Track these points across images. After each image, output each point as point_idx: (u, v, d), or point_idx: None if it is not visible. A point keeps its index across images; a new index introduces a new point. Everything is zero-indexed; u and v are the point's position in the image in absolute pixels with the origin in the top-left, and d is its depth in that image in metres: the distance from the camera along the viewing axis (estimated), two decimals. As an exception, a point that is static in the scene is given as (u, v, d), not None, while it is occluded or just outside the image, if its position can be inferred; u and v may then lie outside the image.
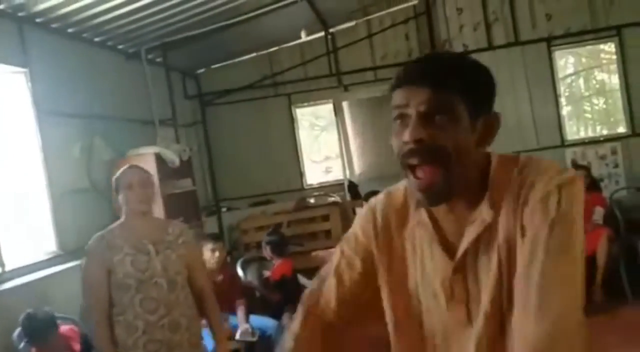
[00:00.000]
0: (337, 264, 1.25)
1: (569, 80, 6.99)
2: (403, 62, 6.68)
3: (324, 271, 1.29)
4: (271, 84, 7.03)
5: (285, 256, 4.77)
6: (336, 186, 7.04)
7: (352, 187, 6.78)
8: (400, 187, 1.18)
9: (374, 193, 5.06)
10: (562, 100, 6.61)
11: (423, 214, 1.11)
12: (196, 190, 5.72)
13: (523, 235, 0.99)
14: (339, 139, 7.00)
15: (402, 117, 1.03)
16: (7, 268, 3.55)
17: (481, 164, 1.07)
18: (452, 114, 1.00)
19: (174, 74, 6.42)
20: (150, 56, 5.76)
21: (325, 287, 1.26)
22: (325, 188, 7.15)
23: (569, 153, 6.43)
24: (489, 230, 1.03)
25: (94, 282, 2.55)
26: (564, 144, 6.49)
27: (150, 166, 4.77)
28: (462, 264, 1.06)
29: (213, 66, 7.03)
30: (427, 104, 1.00)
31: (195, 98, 6.92)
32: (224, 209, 6.85)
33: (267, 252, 4.76)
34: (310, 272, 5.57)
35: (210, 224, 6.34)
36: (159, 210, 4.75)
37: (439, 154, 1.00)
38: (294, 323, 1.28)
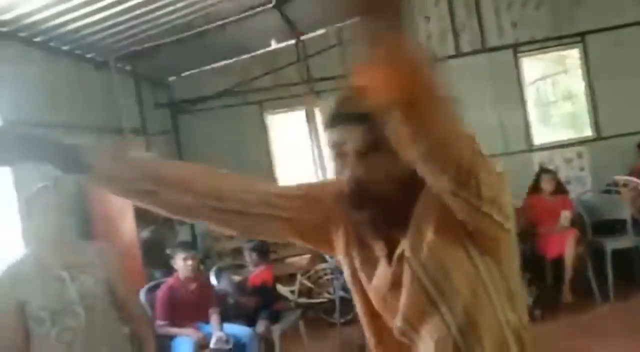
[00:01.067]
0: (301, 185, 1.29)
1: (535, 85, 7.14)
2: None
3: None
4: (242, 92, 7.03)
5: (268, 262, 4.79)
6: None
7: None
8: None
9: None
10: (529, 105, 6.75)
11: (365, 217, 1.17)
12: (168, 199, 5.67)
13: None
14: (312, 146, 7.02)
15: (340, 155, 1.12)
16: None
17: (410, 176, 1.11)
18: (386, 149, 1.06)
19: (144, 83, 6.38)
20: (119, 65, 5.71)
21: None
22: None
23: (536, 157, 6.56)
24: (421, 226, 1.13)
25: (1, 320, 2.30)
26: (531, 148, 6.62)
27: (121, 175, 4.74)
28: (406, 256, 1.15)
29: (183, 74, 7.00)
30: (363, 141, 1.08)
31: (166, 107, 6.88)
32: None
33: (251, 258, 4.76)
34: (286, 279, 5.62)
35: (184, 232, 6.29)
36: (130, 219, 4.71)
37: (376, 195, 1.10)
38: None
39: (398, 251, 1.15)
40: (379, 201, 1.11)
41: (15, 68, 4.20)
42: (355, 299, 1.26)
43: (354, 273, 1.24)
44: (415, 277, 1.12)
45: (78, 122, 4.92)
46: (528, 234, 5.42)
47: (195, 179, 1.22)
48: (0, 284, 2.35)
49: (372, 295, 1.22)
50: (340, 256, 1.26)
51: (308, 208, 1.24)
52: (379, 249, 1.19)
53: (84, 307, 2.34)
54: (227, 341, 3.98)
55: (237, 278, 4.79)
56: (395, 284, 1.16)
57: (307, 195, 1.25)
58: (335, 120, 1.12)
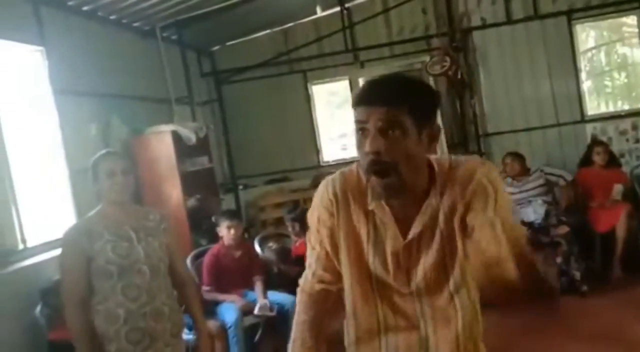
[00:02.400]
0: (314, 243, 1.50)
1: (589, 54, 6.86)
2: (420, 36, 6.58)
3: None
4: (286, 61, 6.99)
5: None
6: (352, 163, 7.00)
7: (369, 164, 6.75)
8: (353, 169, 1.43)
9: None
10: (583, 75, 6.50)
11: (381, 201, 1.38)
12: (213, 167, 5.73)
13: (466, 215, 1.32)
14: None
15: (363, 130, 1.30)
16: (29, 245, 3.61)
17: (426, 166, 1.37)
18: (402, 129, 1.28)
19: (189, 52, 6.41)
20: (165, 34, 5.74)
21: (312, 267, 1.53)
22: (342, 165, 7.09)
23: (589, 128, 6.34)
24: (434, 216, 1.36)
25: (71, 270, 2.41)
26: (584, 119, 6.39)
27: (168, 144, 4.81)
28: (410, 242, 1.38)
29: (228, 43, 7.00)
30: (384, 121, 1.27)
31: (211, 76, 6.91)
32: (240, 187, 6.88)
33: (294, 228, 4.79)
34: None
35: (228, 202, 6.37)
36: (177, 187, 4.79)
37: (393, 164, 1.28)
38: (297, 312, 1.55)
39: (412, 234, 1.37)
40: (394, 171, 1.29)
41: (63, 38, 4.27)
42: (351, 279, 1.43)
43: (359, 253, 1.42)
44: (439, 247, 1.36)
45: (127, 91, 4.99)
46: (578, 208, 5.28)
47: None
48: (71, 237, 2.45)
49: (378, 269, 1.41)
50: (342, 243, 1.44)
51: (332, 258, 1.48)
52: (393, 228, 1.38)
53: (149, 266, 2.46)
54: (270, 308, 4.03)
55: (279, 247, 4.81)
56: (410, 255, 1.38)
57: (334, 247, 1.46)
58: (361, 100, 1.31)
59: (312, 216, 1.49)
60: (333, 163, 7.25)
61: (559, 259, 4.85)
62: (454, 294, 1.39)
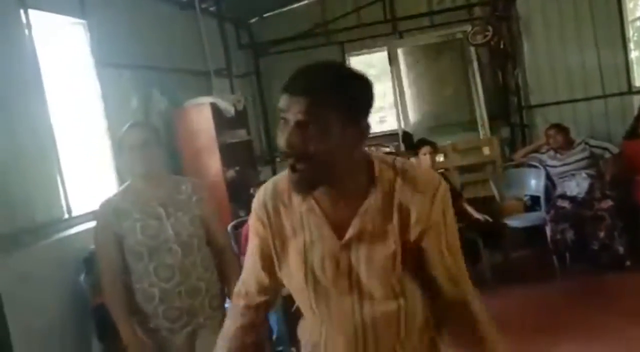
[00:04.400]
0: (248, 254, 1.47)
1: (638, 23, 6.58)
2: (461, 5, 6.43)
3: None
4: (324, 32, 6.92)
5: None
6: (390, 136, 6.96)
7: (407, 137, 6.69)
8: (285, 176, 1.33)
9: (424, 141, 4.98)
10: (631, 45, 6.25)
11: (312, 202, 1.31)
12: (251, 140, 5.76)
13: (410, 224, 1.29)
14: (393, 88, 6.87)
15: (284, 120, 1.21)
16: (74, 214, 3.71)
17: (359, 162, 1.29)
18: (324, 125, 1.18)
19: (227, 24, 6.40)
20: (203, 6, 5.74)
21: (245, 276, 1.51)
22: (379, 138, 7.08)
23: (636, 100, 6.11)
24: (375, 217, 1.28)
25: (104, 248, 2.41)
26: (631, 90, 6.17)
27: (207, 116, 4.85)
28: (349, 243, 1.29)
29: (265, 15, 6.96)
30: (303, 114, 1.17)
31: (248, 48, 6.90)
32: (278, 159, 6.91)
33: None
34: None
35: (266, 174, 6.41)
36: (216, 158, 4.84)
37: (306, 159, 1.19)
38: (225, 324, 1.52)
39: (349, 235, 1.29)
40: (307, 164, 1.21)
41: (104, 11, 4.31)
42: (299, 272, 1.35)
43: (298, 261, 1.35)
44: (382, 248, 1.30)
45: (166, 64, 5.03)
46: (623, 181, 5.13)
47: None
48: (102, 215, 2.42)
49: (317, 273, 1.33)
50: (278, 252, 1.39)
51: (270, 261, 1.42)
52: (327, 230, 1.31)
53: (180, 244, 2.40)
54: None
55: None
56: (349, 258, 1.31)
57: (264, 260, 1.43)
58: (286, 88, 1.21)
59: (250, 224, 1.46)
60: (371, 136, 7.19)
61: (602, 234, 4.74)
62: (398, 297, 1.32)
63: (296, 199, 1.33)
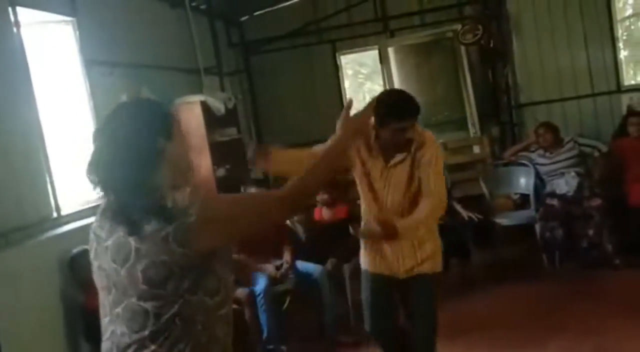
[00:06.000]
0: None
1: (627, 22, 6.63)
2: (452, 4, 6.43)
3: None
4: (315, 31, 6.91)
5: (339, 202, 4.84)
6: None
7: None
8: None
9: None
10: (620, 44, 6.29)
11: (376, 145, 2.75)
12: (242, 138, 5.75)
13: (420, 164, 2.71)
14: (384, 87, 6.88)
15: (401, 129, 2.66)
16: (63, 212, 3.69)
17: None
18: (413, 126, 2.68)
19: (218, 22, 6.38)
20: (193, 4, 5.72)
21: None
22: (370, 136, 7.09)
23: (625, 99, 6.15)
24: (406, 158, 2.72)
25: None
26: (620, 89, 6.21)
27: (197, 114, 4.84)
28: (391, 166, 2.75)
29: (256, 13, 6.94)
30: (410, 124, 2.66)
31: (239, 46, 6.88)
32: (269, 158, 6.89)
33: (322, 198, 4.79)
34: (357, 220, 5.51)
35: (257, 172, 6.40)
36: (206, 157, 4.82)
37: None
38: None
39: (392, 162, 2.74)
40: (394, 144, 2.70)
41: (93, 8, 4.28)
42: (364, 188, 2.82)
43: (366, 172, 2.78)
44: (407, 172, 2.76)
45: (156, 62, 5.01)
46: (612, 180, 5.17)
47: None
48: None
49: (376, 183, 2.78)
50: (358, 166, 2.79)
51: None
52: (381, 160, 2.75)
53: None
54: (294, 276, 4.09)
55: (304, 217, 4.84)
56: (389, 174, 2.76)
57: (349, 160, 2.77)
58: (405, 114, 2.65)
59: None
60: (361, 134, 7.20)
61: (591, 232, 4.77)
62: (404, 195, 2.73)
63: (374, 146, 2.75)
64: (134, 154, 1.45)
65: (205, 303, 1.47)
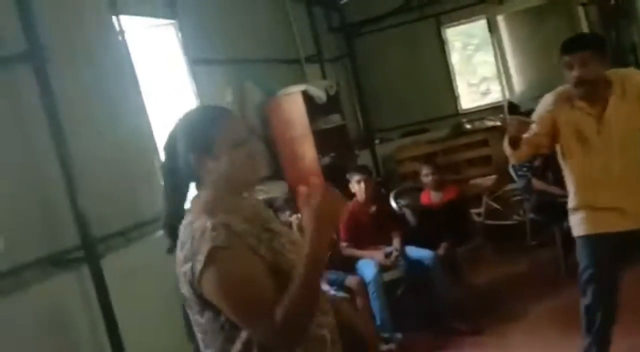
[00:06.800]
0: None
1: None
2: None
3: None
4: (417, 6, 6.67)
5: (450, 184, 4.70)
6: (495, 109, 6.63)
7: (513, 108, 6.32)
8: (566, 87, 2.61)
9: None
10: None
11: (581, 103, 2.58)
12: (346, 124, 5.70)
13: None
14: (496, 58, 6.53)
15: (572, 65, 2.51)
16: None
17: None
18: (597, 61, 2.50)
19: (316, 7, 6.34)
20: (290, -9, 5.73)
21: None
22: (483, 112, 6.76)
23: None
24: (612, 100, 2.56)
25: None
26: None
27: (299, 104, 4.85)
28: (604, 117, 2.56)
29: (355, -5, 6.82)
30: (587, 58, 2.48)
31: (340, 30, 6.81)
32: (377, 141, 6.80)
33: (431, 181, 4.66)
34: (472, 201, 5.34)
35: (364, 157, 6.34)
36: (310, 145, 4.82)
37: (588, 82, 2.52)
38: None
39: (607, 113, 2.54)
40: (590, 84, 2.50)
41: (193, 9, 4.39)
42: (574, 145, 2.61)
43: (576, 129, 2.59)
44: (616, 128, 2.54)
45: (258, 55, 5.07)
46: None
47: None
48: None
49: (589, 135, 2.57)
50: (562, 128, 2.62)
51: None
52: (592, 112, 2.56)
53: None
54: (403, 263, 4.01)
55: (411, 203, 4.70)
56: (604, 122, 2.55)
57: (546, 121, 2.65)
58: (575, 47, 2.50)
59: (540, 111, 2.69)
60: (473, 110, 6.91)
61: None
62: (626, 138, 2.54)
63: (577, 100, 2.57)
64: (168, 165, 1.49)
65: None
